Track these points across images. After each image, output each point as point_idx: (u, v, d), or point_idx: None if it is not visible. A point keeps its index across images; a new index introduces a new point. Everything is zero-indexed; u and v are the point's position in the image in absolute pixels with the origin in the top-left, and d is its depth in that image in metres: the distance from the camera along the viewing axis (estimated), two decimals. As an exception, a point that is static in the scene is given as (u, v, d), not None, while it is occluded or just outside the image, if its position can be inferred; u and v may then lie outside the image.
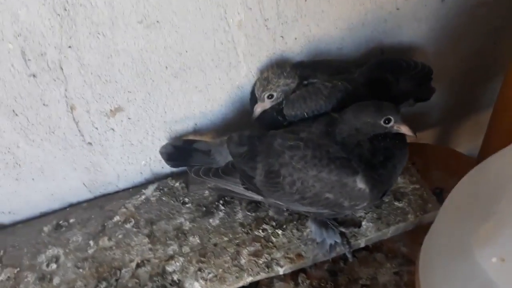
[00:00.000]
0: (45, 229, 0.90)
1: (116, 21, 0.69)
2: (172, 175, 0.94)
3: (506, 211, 0.51)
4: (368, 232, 0.82)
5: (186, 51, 0.77)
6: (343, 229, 0.82)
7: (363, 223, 0.83)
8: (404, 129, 0.69)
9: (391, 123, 0.69)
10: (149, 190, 0.92)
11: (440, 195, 0.94)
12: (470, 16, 0.92)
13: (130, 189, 0.94)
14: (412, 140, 0.74)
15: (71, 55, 0.71)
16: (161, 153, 0.84)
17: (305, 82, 0.79)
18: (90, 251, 0.85)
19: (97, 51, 0.72)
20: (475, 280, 0.50)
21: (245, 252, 0.81)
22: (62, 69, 0.72)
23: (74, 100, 0.77)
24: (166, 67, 0.78)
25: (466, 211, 0.58)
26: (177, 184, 0.93)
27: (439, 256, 0.59)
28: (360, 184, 0.69)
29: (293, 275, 0.83)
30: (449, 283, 0.55)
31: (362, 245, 0.84)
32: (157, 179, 0.95)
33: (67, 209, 0.93)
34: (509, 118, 0.85)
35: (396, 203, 0.85)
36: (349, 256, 0.82)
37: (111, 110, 0.81)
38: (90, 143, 0.84)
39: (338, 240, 0.80)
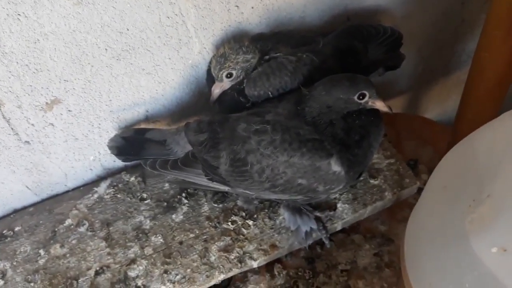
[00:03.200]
0: (-13, 241, 0.81)
1: (38, -2, 0.59)
2: (126, 169, 0.87)
3: (502, 193, 0.45)
4: (345, 215, 0.79)
5: (128, 29, 0.69)
6: (318, 214, 0.78)
7: (338, 205, 0.79)
8: (379, 105, 0.65)
9: (366, 99, 0.64)
10: (102, 188, 0.85)
11: (415, 167, 0.91)
12: (437, -26, 0.87)
13: (81, 188, 0.87)
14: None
15: (-13, 42, 0.61)
16: (110, 147, 0.77)
17: (267, 57, 0.72)
18: (41, 262, 0.78)
19: (20, 36, 0.62)
20: (472, 272, 0.45)
21: (214, 248, 0.76)
22: (-22, 59, 0.62)
23: (1, 95, 0.68)
24: (106, 49, 0.70)
25: (454, 190, 0.53)
26: (133, 178, 0.85)
27: (428, 243, 0.55)
28: (335, 166, 0.65)
29: (268, 267, 0.79)
30: (442, 274, 0.51)
31: (339, 228, 0.80)
32: (110, 174, 0.88)
33: (11, 216, 0.85)
34: (484, 81, 0.81)
35: (371, 181, 0.81)
36: (326, 242, 0.78)
37: (47, 103, 0.72)
38: (27, 142, 0.76)
39: (314, 226, 0.76)
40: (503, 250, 0.42)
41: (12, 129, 0.73)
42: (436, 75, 1.15)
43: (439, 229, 0.52)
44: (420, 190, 0.78)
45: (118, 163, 0.86)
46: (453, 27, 1.03)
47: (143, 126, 0.82)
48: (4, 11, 0.59)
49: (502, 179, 0.46)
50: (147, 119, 0.83)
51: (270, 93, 0.71)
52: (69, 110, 0.75)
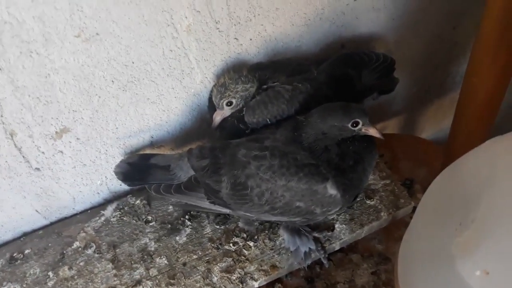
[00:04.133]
0: (-3, 264, 0.83)
1: (49, 37, 0.63)
2: (132, 192, 0.89)
3: (485, 219, 0.48)
4: (342, 235, 0.80)
5: (133, 62, 0.72)
6: (316, 235, 0.80)
7: (336, 225, 0.81)
8: (372, 132, 0.67)
9: (359, 126, 0.67)
10: (109, 211, 0.87)
11: (410, 187, 0.93)
12: (428, 1, 0.90)
13: (88, 211, 0.89)
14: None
15: (1, 78, 0.64)
16: (116, 173, 0.79)
17: (264, 86, 0.75)
18: (50, 284, 0.79)
19: (32, 71, 0.65)
20: (459, 294, 0.48)
21: (216, 269, 0.78)
22: (-7, 94, 0.65)
23: (13, 125, 0.71)
24: (112, 81, 0.73)
25: (443, 214, 0.56)
26: (138, 201, 0.88)
27: (419, 264, 0.57)
28: (331, 190, 0.67)
29: (269, 287, 0.80)
30: (432, 294, 0.53)
31: (337, 248, 0.82)
32: (116, 197, 0.90)
33: (21, 239, 0.87)
34: (474, 105, 0.84)
35: (368, 202, 0.83)
36: (324, 262, 0.80)
37: (56, 132, 0.75)
38: (38, 169, 0.78)
39: (313, 247, 0.78)
40: (486, 273, 0.45)
41: (23, 157, 0.75)
42: (431, 96, 1.17)
43: (429, 251, 0.55)
44: (415, 209, 0.81)
45: (124, 186, 0.87)
46: (445, 50, 1.06)
47: (148, 151, 0.84)
48: (18, 49, 0.62)
49: (484, 205, 0.49)
50: (152, 144, 0.85)
51: (268, 120, 0.74)
52: (78, 138, 0.77)
